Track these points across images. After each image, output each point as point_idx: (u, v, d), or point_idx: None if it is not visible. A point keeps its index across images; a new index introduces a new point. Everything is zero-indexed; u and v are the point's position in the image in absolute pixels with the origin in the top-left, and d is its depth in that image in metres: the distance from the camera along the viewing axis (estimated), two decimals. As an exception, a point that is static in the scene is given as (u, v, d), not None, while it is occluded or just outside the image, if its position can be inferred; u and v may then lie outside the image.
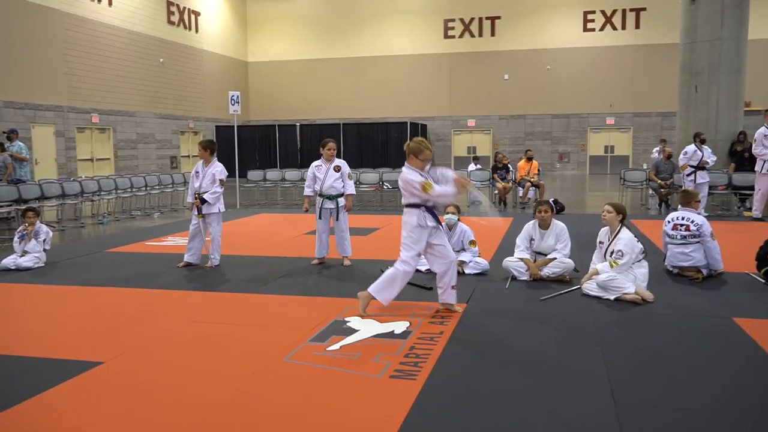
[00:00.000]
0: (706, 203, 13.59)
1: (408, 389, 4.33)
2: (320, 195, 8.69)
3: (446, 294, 6.21)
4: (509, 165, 17.10)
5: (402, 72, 32.80)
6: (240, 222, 13.82)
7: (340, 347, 5.25)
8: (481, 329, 5.74)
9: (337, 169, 8.66)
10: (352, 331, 5.70)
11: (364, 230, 11.49)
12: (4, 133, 15.30)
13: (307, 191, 8.75)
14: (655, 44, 29.99)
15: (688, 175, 13.48)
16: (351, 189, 8.75)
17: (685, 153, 13.58)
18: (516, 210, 15.86)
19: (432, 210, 6.06)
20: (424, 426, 3.78)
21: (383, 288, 6.08)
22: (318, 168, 8.72)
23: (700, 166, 13.43)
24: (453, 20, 32.27)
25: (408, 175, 5.98)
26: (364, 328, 5.78)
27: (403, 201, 6.11)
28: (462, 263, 7.99)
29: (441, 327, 5.79)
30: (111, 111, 24.30)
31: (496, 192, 16.61)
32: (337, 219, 8.69)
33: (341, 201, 8.72)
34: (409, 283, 6.26)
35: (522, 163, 16.89)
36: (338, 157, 8.87)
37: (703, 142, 13.66)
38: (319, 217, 8.71)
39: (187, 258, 8.83)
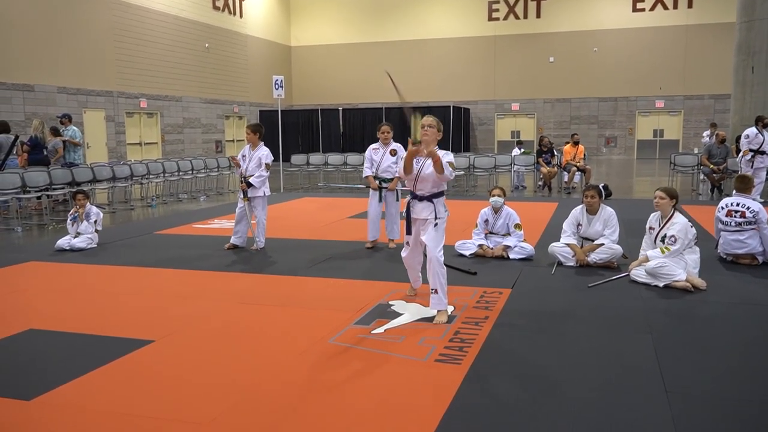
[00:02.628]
0: (762, 189, 13.26)
1: (453, 374, 4.31)
2: (375, 178, 8.76)
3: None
4: (554, 149, 16.91)
5: (445, 55, 32.57)
6: (284, 206, 13.91)
7: (385, 330, 5.26)
8: (527, 315, 5.69)
9: (393, 153, 8.71)
10: (397, 314, 5.70)
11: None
12: (58, 117, 15.61)
13: (367, 172, 8.81)
14: (708, 24, 29.24)
15: (749, 159, 13.12)
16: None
17: (747, 137, 13.20)
18: (561, 195, 15.68)
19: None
20: (469, 412, 3.76)
21: (443, 294, 5.58)
22: (375, 151, 8.79)
23: (761, 151, 13.09)
24: (497, 2, 31.89)
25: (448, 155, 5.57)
26: (409, 311, 5.77)
27: (430, 190, 5.63)
28: (507, 248, 7.94)
29: (486, 312, 5.75)
30: (158, 96, 24.63)
31: (541, 177, 16.45)
32: (390, 201, 8.80)
33: (397, 185, 8.83)
34: (453, 268, 6.22)
35: (567, 147, 16.67)
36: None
37: (765, 126, 13.28)
38: (380, 200, 8.77)
39: (233, 240, 8.94)
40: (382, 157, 8.71)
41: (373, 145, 8.89)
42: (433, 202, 5.62)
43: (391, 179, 8.73)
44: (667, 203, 6.82)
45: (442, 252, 5.57)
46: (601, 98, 31.10)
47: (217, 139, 28.72)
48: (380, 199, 8.76)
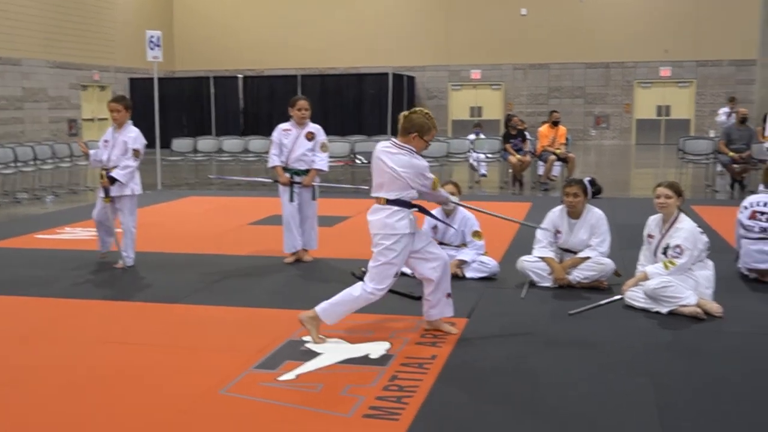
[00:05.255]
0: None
1: (389, 434, 4.32)
2: (286, 169, 8.75)
3: (441, 306, 6.17)
4: (527, 132, 17.10)
5: (381, 7, 32.69)
6: (162, 208, 13.75)
7: (297, 376, 5.24)
8: (488, 354, 5.72)
9: (310, 136, 8.72)
10: (313, 354, 5.67)
11: (331, 219, 11.46)
12: None
13: (274, 161, 8.81)
14: (725, -30, 30.05)
15: None
16: (322, 164, 8.84)
17: None
18: (536, 192, 15.88)
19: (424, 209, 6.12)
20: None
21: (333, 307, 5.98)
22: (285, 133, 8.79)
23: None
24: (452, -65, 32.23)
25: (417, 160, 5.86)
26: (329, 351, 5.75)
27: (383, 194, 5.90)
28: (462, 263, 7.99)
29: (433, 350, 5.77)
30: (-14, 57, 24.09)
31: (510, 169, 16.63)
32: (304, 201, 8.82)
33: (315, 179, 8.87)
34: (391, 291, 6.23)
35: (545, 129, 16.87)
36: None
37: None
38: (291, 200, 8.75)
39: (102, 248, 9.03)
40: (294, 141, 8.71)
41: (284, 125, 8.87)
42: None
43: (306, 171, 8.73)
44: (674, 203, 6.95)
45: None
46: (589, 64, 31.63)
47: (71, 117, 28.23)
48: (291, 198, 8.76)
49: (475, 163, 17.25)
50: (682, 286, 6.63)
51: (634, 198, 14.72)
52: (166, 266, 8.82)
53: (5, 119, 24.97)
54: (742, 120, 15.69)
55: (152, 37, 16.91)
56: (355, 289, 5.95)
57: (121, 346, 5.97)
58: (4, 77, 24.86)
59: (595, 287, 7.47)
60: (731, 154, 15.23)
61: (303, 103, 8.79)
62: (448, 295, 6.16)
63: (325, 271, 8.51)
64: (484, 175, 17.65)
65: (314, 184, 8.85)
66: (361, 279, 7.36)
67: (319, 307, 5.95)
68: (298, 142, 8.71)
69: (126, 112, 8.65)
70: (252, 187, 16.00)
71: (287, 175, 8.73)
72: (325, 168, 8.92)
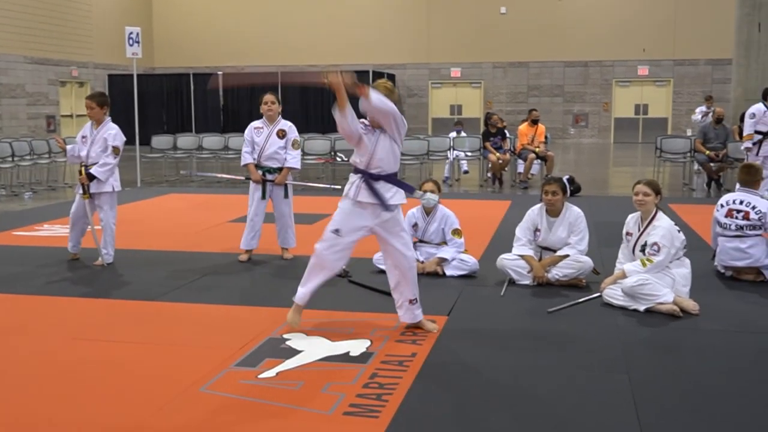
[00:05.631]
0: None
1: (368, 431, 4.33)
2: (258, 167, 8.76)
3: (404, 310, 6.15)
4: (506, 130, 17.15)
5: (362, 5, 32.65)
6: (141, 205, 13.73)
7: (277, 374, 5.24)
8: (468, 351, 5.75)
9: (282, 134, 8.73)
10: (294, 352, 5.68)
11: (310, 217, 11.44)
12: None
13: (247, 158, 8.82)
14: (702, -31, 30.20)
15: (754, 144, 13.37)
16: (294, 162, 8.85)
17: (753, 116, 13.39)
18: (515, 191, 15.92)
19: (376, 180, 5.93)
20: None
21: (301, 288, 6.22)
22: (257, 131, 8.80)
23: None
24: (432, -67, 32.25)
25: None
26: (310, 348, 5.76)
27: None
28: (442, 261, 8.01)
29: (413, 347, 5.78)
30: (-37, 52, 23.91)
31: (489, 166, 16.66)
32: (277, 199, 8.81)
33: (288, 177, 8.87)
34: (369, 288, 6.26)
35: (524, 127, 16.94)
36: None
37: None
38: (263, 197, 8.76)
39: (71, 249, 8.90)
40: (266, 139, 8.73)
41: (255, 123, 8.90)
42: (393, 183, 6.01)
43: (279, 169, 8.75)
44: (653, 201, 6.99)
45: None
46: (568, 62, 31.74)
47: (49, 113, 28.08)
48: (263, 196, 8.76)
49: (454, 163, 17.31)
50: (659, 284, 6.67)
51: (613, 196, 14.78)
52: (145, 263, 8.79)
53: (-17, 115, 24.83)
54: (719, 120, 15.80)
55: (131, 33, 16.84)
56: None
57: (100, 343, 5.95)
58: (-19, 73, 24.71)
59: (573, 285, 7.51)
60: (708, 152, 15.33)
61: (268, 96, 8.82)
62: (411, 302, 6.10)
63: (304, 268, 8.47)
64: (466, 172, 17.69)
65: (287, 182, 8.85)
66: (343, 277, 7.40)
67: (295, 297, 6.20)
68: (269, 140, 8.72)
69: (100, 109, 8.62)
70: (232, 184, 15.94)
71: (259, 172, 8.75)
72: (297, 166, 8.94)
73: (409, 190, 6.22)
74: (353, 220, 5.95)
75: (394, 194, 5.94)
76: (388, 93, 5.82)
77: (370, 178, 5.91)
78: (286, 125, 8.83)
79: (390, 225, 5.99)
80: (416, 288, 6.12)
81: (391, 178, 5.96)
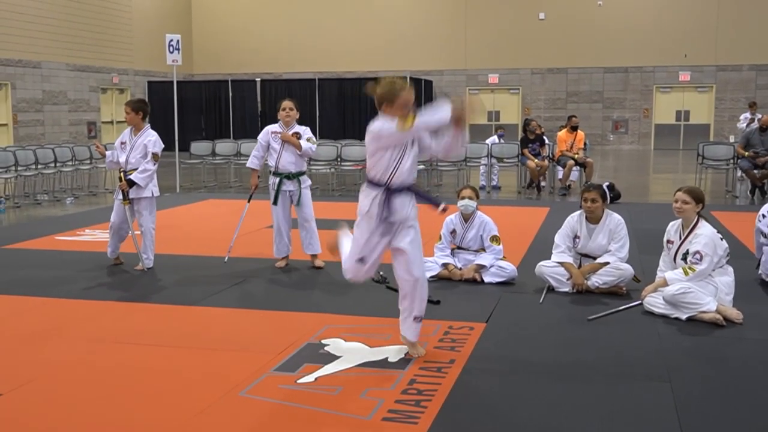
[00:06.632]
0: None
1: (407, 437, 4.32)
2: (275, 173, 8.78)
3: (406, 325, 5.74)
4: (545, 136, 17.08)
5: (399, 12, 32.70)
6: (180, 210, 13.83)
7: (316, 379, 5.25)
8: (506, 359, 5.74)
9: (297, 137, 8.74)
10: (332, 357, 5.69)
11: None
12: None
13: (253, 162, 8.94)
14: (746, -26, 29.92)
15: None
16: (307, 146, 8.76)
17: None
18: (554, 197, 15.85)
19: (397, 193, 5.52)
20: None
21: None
22: (274, 135, 8.81)
23: None
24: (471, -60, 32.23)
25: (374, 123, 5.52)
26: (348, 353, 5.77)
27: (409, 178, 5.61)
28: (480, 268, 7.99)
29: (451, 354, 5.78)
30: (8, 61, 24.17)
31: (528, 174, 16.61)
32: (299, 204, 8.80)
33: (305, 181, 8.86)
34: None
35: (563, 133, 16.87)
36: (311, 124, 8.92)
37: None
38: (274, 203, 8.80)
39: (110, 255, 8.98)
40: (283, 144, 8.74)
41: (272, 127, 8.89)
42: (412, 195, 5.67)
43: (298, 174, 8.77)
44: (692, 209, 6.92)
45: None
46: (608, 68, 31.55)
47: (90, 119, 28.32)
48: (275, 201, 8.79)
49: (488, 172, 17.24)
50: (701, 293, 6.60)
51: (653, 203, 14.67)
52: (184, 269, 8.86)
53: (26, 122, 25.09)
54: (764, 127, 15.57)
55: (172, 40, 16.99)
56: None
57: (139, 347, 6.00)
58: (24, 80, 24.98)
59: (613, 293, 7.46)
60: (746, 153, 15.14)
61: (287, 103, 8.82)
62: (416, 319, 5.70)
63: (339, 273, 8.48)
64: (497, 187, 17.51)
65: (303, 188, 8.82)
66: (381, 283, 7.39)
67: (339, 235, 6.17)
68: (286, 145, 8.72)
69: (135, 114, 8.68)
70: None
71: (274, 178, 8.78)
72: (310, 152, 8.85)
73: (434, 203, 5.71)
74: (374, 240, 5.57)
75: (412, 207, 5.62)
76: (392, 86, 5.59)
77: (393, 192, 5.52)
78: (301, 128, 8.83)
79: (399, 239, 5.61)
80: (424, 304, 5.71)
81: (414, 188, 5.65)
